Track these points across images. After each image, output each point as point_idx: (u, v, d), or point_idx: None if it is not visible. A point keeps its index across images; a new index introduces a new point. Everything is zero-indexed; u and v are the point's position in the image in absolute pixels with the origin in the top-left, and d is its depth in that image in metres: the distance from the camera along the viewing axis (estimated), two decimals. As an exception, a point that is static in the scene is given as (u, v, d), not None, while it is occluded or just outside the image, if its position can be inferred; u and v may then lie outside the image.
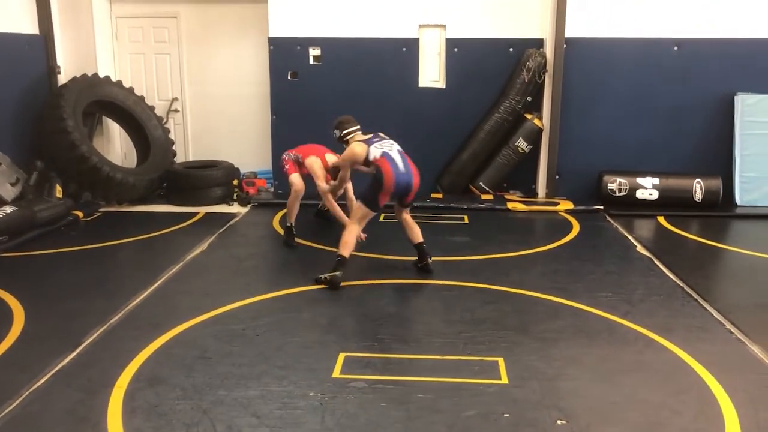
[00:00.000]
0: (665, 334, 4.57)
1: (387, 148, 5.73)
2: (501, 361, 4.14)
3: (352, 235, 5.65)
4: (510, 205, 8.27)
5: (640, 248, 6.71)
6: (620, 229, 7.48)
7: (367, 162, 5.77)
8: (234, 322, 4.76)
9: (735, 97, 8.38)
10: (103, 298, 5.18)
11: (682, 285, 5.60)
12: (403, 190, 5.66)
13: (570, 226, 7.54)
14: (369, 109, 8.74)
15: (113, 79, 8.84)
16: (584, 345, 4.44)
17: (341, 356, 4.19)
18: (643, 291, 5.46)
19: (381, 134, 6.00)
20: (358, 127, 6.19)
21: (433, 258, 6.12)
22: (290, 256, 6.47)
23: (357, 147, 5.82)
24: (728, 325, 4.77)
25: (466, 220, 7.77)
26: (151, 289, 5.40)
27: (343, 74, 8.79)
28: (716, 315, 4.96)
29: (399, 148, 5.83)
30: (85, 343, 4.35)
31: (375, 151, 5.70)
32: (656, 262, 6.26)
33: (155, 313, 4.92)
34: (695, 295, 5.35)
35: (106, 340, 4.44)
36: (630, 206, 8.23)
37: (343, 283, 5.46)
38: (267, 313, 4.94)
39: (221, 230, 7.30)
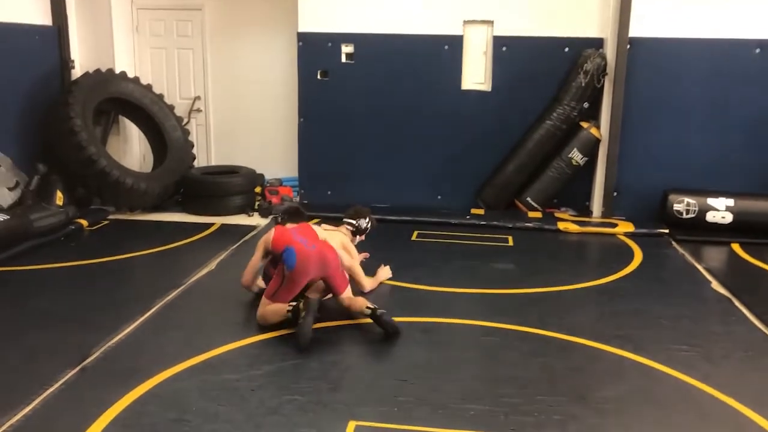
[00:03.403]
0: (762, 410, 3.61)
1: None
2: (552, 443, 3.26)
3: None
4: (561, 225, 7.33)
5: (715, 284, 5.71)
6: (689, 257, 6.48)
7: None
8: (227, 369, 3.96)
9: (826, 108, 7.28)
10: (82, 331, 4.45)
11: (774, 337, 4.62)
12: None
13: (631, 253, 6.57)
14: (405, 113, 8.00)
15: (131, 75, 8.18)
16: (656, 421, 3.51)
17: (351, 426, 3.36)
18: (726, 344, 4.49)
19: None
20: None
21: (471, 290, 5.31)
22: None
23: None
24: (841, 398, 3.78)
25: (511, 242, 6.86)
26: (140, 320, 4.65)
27: (377, 74, 7.96)
28: (823, 383, 3.98)
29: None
30: (45, 394, 3.60)
31: None
32: (737, 303, 5.26)
33: (137, 354, 4.15)
34: (793, 353, 4.37)
35: (71, 390, 3.68)
36: (699, 230, 7.20)
37: (361, 321, 4.63)
38: (268, 357, 4.13)
39: (235, 246, 6.53)
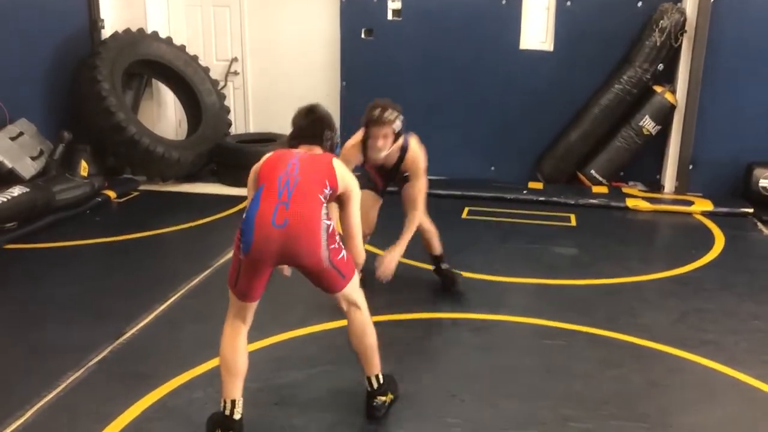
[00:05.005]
0: None
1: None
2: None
3: None
4: (630, 203, 6.58)
5: (814, 276, 4.96)
6: (779, 242, 5.71)
7: None
8: (249, 375, 3.32)
9: None
10: (92, 323, 4.00)
11: None
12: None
13: (711, 237, 5.81)
14: (458, 75, 7.31)
15: (164, 35, 7.66)
16: (764, 460, 2.88)
17: (388, 456, 2.82)
18: (839, 356, 3.78)
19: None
20: None
21: (529, 280, 4.70)
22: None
23: None
24: None
25: (573, 222, 6.16)
26: (157, 311, 4.17)
27: (427, 33, 7.27)
28: None
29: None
30: (40, 403, 3.15)
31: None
32: None
33: (149, 354, 3.68)
34: None
35: (70, 398, 3.23)
36: (789, 210, 6.39)
37: (403, 316, 4.06)
38: (295, 361, 3.62)
39: (269, 222, 6.02)
